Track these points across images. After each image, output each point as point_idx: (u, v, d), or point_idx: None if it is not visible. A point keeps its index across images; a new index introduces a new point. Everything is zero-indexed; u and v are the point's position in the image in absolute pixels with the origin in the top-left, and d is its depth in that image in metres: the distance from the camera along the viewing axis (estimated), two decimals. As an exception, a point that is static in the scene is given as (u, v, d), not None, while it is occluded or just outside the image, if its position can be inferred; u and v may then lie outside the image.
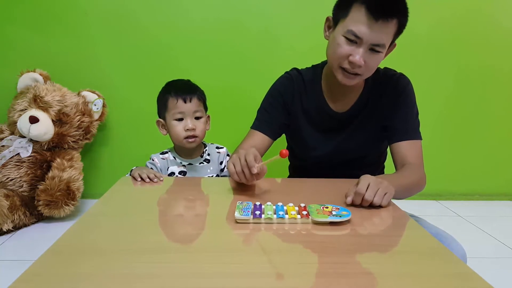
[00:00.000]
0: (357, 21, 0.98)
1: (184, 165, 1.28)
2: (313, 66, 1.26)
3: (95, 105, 2.03)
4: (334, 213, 0.82)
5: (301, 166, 1.35)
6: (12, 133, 1.95)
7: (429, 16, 2.20)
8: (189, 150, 1.29)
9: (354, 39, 1.00)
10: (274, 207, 0.84)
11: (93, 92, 2.05)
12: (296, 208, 0.84)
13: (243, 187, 1.02)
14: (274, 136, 1.24)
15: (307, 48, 2.09)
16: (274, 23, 2.14)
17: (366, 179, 0.88)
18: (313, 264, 0.63)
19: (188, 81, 1.31)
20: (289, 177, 1.46)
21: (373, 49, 1.01)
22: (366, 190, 0.86)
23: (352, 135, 1.20)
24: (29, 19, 2.07)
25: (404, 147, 1.13)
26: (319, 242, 0.72)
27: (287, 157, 1.25)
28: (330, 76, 1.15)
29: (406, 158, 1.11)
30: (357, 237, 0.75)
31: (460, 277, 0.60)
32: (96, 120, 2.06)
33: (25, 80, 1.97)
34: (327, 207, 0.85)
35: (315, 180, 1.13)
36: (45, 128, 1.86)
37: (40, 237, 1.78)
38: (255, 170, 0.92)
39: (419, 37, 2.22)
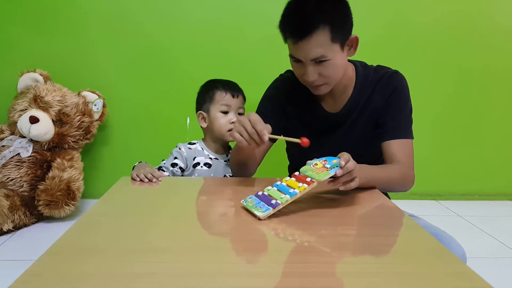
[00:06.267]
0: (291, 46, 1.04)
1: (210, 158, 1.31)
2: None
3: (95, 105, 2.03)
4: (327, 165, 0.84)
5: (298, 167, 1.35)
6: (13, 133, 1.95)
7: (429, 16, 2.20)
8: (217, 146, 1.34)
9: (297, 60, 1.05)
10: (276, 187, 0.86)
11: (93, 92, 2.05)
12: (293, 179, 0.87)
13: (241, 185, 1.02)
14: (272, 139, 1.25)
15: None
16: (274, 25, 2.13)
17: (350, 159, 0.87)
18: (313, 264, 0.63)
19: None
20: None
21: (318, 61, 1.02)
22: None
23: (346, 135, 1.20)
24: (29, 19, 2.07)
25: (394, 146, 1.12)
26: (319, 242, 0.72)
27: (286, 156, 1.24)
28: None
29: (395, 157, 1.10)
30: (357, 237, 0.75)
31: (459, 276, 0.60)
32: (96, 120, 2.06)
33: (25, 80, 1.97)
34: (316, 164, 0.87)
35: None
36: (45, 128, 1.86)
37: (40, 237, 1.78)
38: (266, 138, 0.95)
39: (419, 37, 2.22)
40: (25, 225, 1.86)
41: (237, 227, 0.79)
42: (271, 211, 0.79)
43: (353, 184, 0.88)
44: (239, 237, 0.75)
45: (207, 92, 1.32)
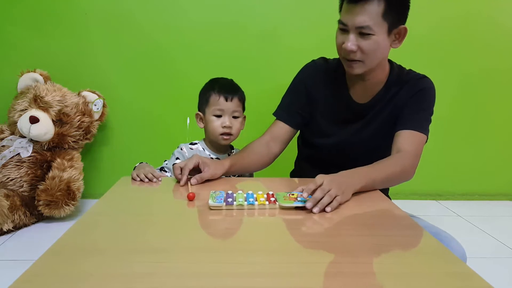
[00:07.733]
0: (343, 10, 1.08)
1: (212, 158, 1.31)
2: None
3: (95, 105, 2.03)
4: (299, 198, 0.88)
5: (311, 156, 1.37)
6: (13, 133, 1.95)
7: (430, 18, 2.20)
8: (219, 146, 1.33)
9: (343, 27, 1.08)
10: (245, 194, 0.90)
11: (93, 92, 2.05)
12: (265, 195, 0.90)
13: (241, 185, 1.02)
14: (296, 126, 1.29)
15: (307, 48, 2.08)
16: (274, 24, 2.14)
17: (320, 178, 0.90)
18: (313, 264, 0.63)
19: (232, 80, 1.35)
20: (293, 171, 1.48)
21: (362, 32, 1.04)
22: (317, 189, 0.87)
23: (364, 127, 1.22)
24: (29, 19, 2.07)
25: (404, 135, 1.12)
26: (319, 242, 0.72)
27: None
28: None
29: (402, 146, 1.10)
30: (357, 237, 0.75)
31: (460, 276, 0.60)
32: (96, 120, 2.06)
33: (26, 80, 1.97)
34: (293, 194, 0.91)
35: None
36: (45, 128, 1.86)
37: (40, 237, 1.78)
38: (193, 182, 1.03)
39: (420, 39, 2.22)
40: (25, 225, 1.86)
41: (237, 227, 0.79)
42: (221, 204, 0.85)
43: (335, 204, 0.87)
44: (239, 237, 0.75)
45: (204, 94, 1.31)
